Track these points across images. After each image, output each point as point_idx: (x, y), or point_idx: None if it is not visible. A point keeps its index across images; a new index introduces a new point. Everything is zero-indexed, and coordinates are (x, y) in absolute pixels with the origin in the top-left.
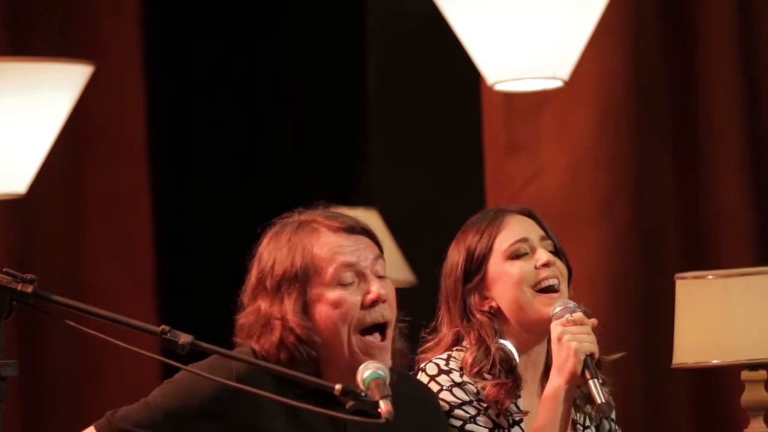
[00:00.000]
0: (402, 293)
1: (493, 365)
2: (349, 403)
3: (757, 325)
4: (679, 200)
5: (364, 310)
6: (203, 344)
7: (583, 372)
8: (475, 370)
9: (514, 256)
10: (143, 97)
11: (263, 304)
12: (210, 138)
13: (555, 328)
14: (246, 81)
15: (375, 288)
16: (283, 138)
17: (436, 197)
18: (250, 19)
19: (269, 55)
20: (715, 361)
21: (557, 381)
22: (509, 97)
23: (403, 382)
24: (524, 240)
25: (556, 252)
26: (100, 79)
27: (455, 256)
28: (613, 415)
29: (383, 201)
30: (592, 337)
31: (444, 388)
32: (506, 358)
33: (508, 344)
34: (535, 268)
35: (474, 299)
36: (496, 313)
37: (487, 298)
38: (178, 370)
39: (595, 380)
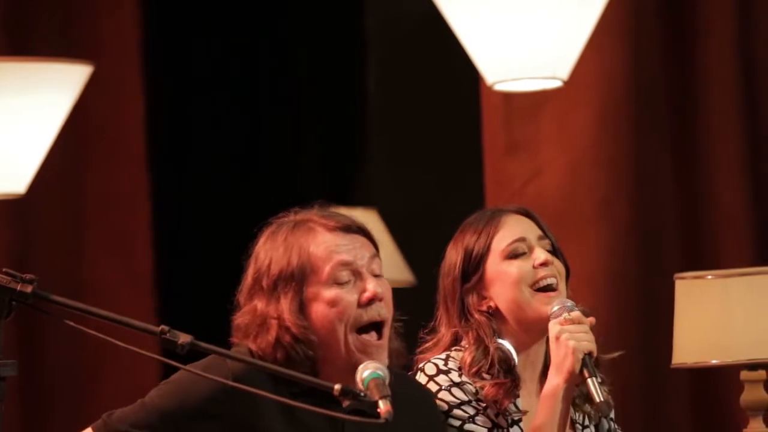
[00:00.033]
0: (401, 293)
1: (491, 365)
2: (346, 403)
3: (757, 325)
4: (679, 200)
5: (360, 308)
6: (203, 344)
7: (581, 371)
8: (474, 369)
9: (512, 255)
10: (142, 97)
11: (259, 304)
12: (209, 138)
13: (553, 327)
14: (245, 81)
15: (371, 286)
16: (283, 138)
17: (435, 197)
18: (250, 19)
19: (269, 55)
20: (714, 361)
21: (555, 380)
22: (509, 97)
23: (401, 381)
24: (522, 239)
25: (554, 251)
26: (99, 79)
27: (453, 257)
28: (612, 414)
29: (383, 201)
30: (590, 336)
31: (443, 388)
32: (505, 358)
33: (507, 344)
34: (533, 267)
35: (472, 299)
36: (495, 313)
37: (485, 297)
38: (177, 370)
39: (594, 379)
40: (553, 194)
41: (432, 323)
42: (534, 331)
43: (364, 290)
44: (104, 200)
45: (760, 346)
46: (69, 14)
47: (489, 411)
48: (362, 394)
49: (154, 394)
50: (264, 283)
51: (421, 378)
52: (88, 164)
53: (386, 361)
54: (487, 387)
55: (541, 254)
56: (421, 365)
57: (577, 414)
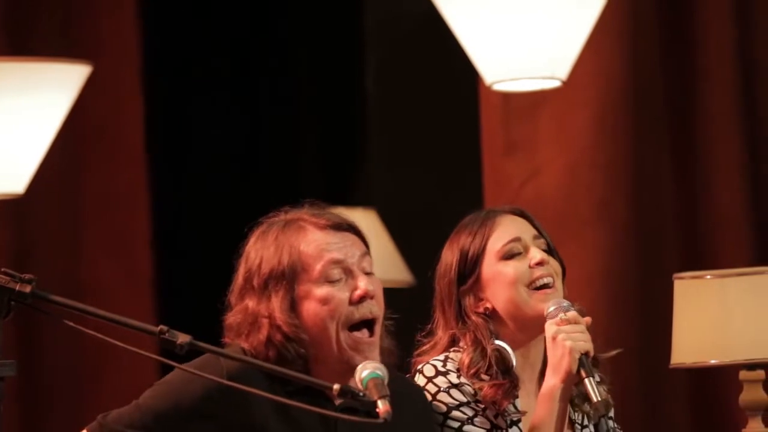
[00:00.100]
0: (401, 293)
1: (489, 366)
2: (339, 401)
3: (755, 325)
4: (677, 201)
5: (352, 306)
6: (201, 344)
7: (578, 371)
8: (472, 371)
9: (508, 256)
10: (142, 97)
11: (250, 303)
12: (209, 138)
13: (549, 328)
14: (245, 81)
15: (362, 284)
16: (283, 138)
17: (435, 197)
18: (250, 19)
19: (269, 55)
20: (713, 361)
21: (553, 380)
22: (507, 97)
23: (394, 380)
24: (517, 239)
25: (550, 250)
26: (98, 79)
27: (449, 259)
28: (612, 414)
29: (382, 201)
30: (587, 336)
31: (441, 389)
32: (503, 359)
33: (505, 345)
34: (529, 267)
35: (469, 301)
36: (492, 314)
37: (482, 299)
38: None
39: (591, 379)
40: (551, 195)
41: (429, 326)
42: (532, 330)
43: (355, 288)
44: (103, 200)
45: (758, 346)
46: (69, 14)
47: (488, 412)
48: (361, 393)
49: (148, 395)
50: (255, 282)
51: (419, 379)
52: (87, 164)
53: (378, 358)
54: (486, 388)
55: (536, 254)
56: (419, 367)
57: (576, 414)
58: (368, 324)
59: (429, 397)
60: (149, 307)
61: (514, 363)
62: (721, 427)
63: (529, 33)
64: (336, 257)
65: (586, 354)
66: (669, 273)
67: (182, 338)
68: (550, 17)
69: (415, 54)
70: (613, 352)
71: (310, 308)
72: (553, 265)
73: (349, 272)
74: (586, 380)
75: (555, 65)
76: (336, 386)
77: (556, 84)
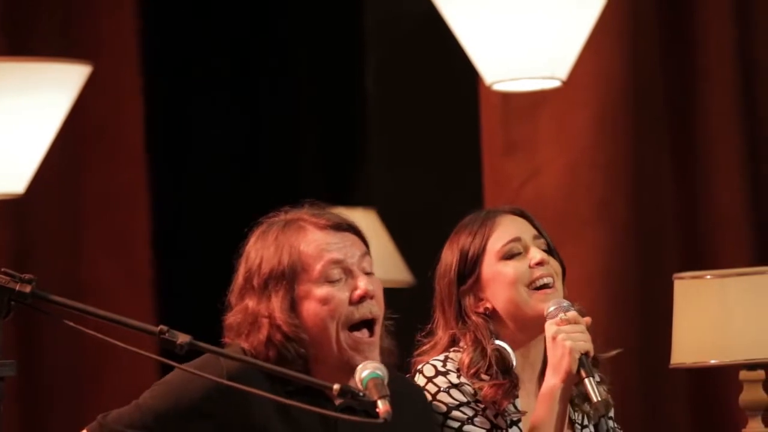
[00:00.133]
0: (401, 293)
1: (489, 366)
2: (339, 401)
3: (755, 325)
4: (677, 201)
5: (352, 306)
6: (201, 344)
7: (578, 371)
8: (472, 371)
9: (508, 256)
10: (142, 97)
11: (250, 303)
12: (208, 138)
13: (549, 328)
14: (245, 81)
15: (362, 284)
16: (283, 138)
17: (435, 197)
18: (250, 19)
19: (269, 55)
20: (713, 361)
21: (553, 380)
22: (507, 97)
23: (394, 380)
24: (517, 239)
25: (549, 250)
26: (98, 79)
27: (448, 259)
28: (612, 414)
29: (382, 201)
30: (587, 336)
31: (441, 389)
32: (503, 359)
33: (505, 345)
34: (529, 267)
35: (469, 301)
36: (492, 315)
37: (482, 299)
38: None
39: (591, 379)
40: (551, 195)
41: (429, 326)
42: (532, 330)
43: (355, 288)
44: (103, 200)
45: (758, 346)
46: (69, 14)
47: (488, 412)
48: (361, 393)
49: (148, 395)
50: (255, 282)
51: (419, 379)
52: (87, 164)
53: (378, 358)
54: (486, 388)
55: (536, 254)
56: (419, 367)
57: (576, 414)
58: (368, 324)
59: (429, 397)
60: (149, 307)
61: (514, 363)
62: (721, 427)
63: (529, 33)
64: (336, 257)
65: (586, 354)
66: (669, 273)
67: (182, 338)
68: (550, 17)
69: (415, 54)
70: (613, 352)
71: (310, 308)
72: (553, 265)
73: (349, 272)
74: (586, 380)
75: (555, 65)
76: (336, 386)
77: (556, 84)
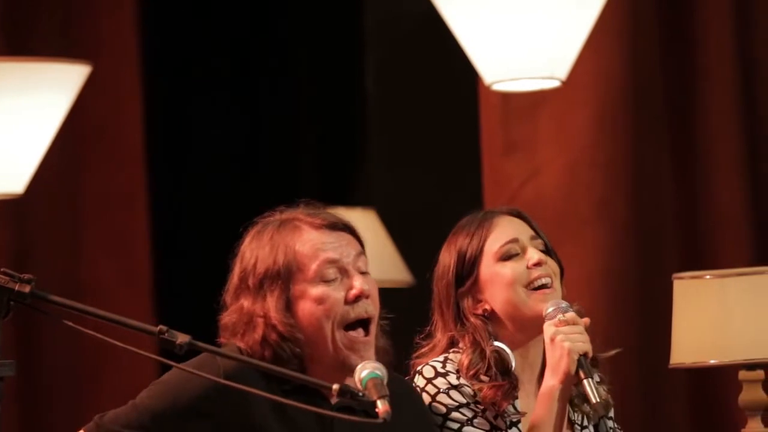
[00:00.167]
0: (400, 293)
1: (489, 367)
2: (335, 400)
3: (755, 325)
4: (677, 200)
5: (347, 305)
6: (201, 344)
7: (577, 372)
8: (472, 372)
9: (506, 257)
10: (141, 97)
11: (246, 303)
12: (209, 138)
13: (548, 329)
14: (245, 81)
15: (358, 283)
16: (283, 138)
17: (435, 197)
18: (250, 19)
19: (269, 55)
20: (712, 361)
21: (551, 381)
22: (507, 97)
23: (392, 381)
24: (514, 240)
25: (547, 251)
26: (98, 79)
27: (446, 260)
28: (612, 414)
29: (382, 201)
30: (585, 337)
31: (441, 390)
32: (502, 360)
33: (504, 346)
34: (527, 267)
35: (467, 303)
36: (490, 316)
37: (480, 301)
38: None
39: (590, 380)
40: (551, 194)
41: (428, 328)
42: (531, 330)
43: (350, 287)
44: (103, 200)
45: (758, 346)
46: (68, 14)
47: (487, 413)
48: (360, 393)
49: (145, 395)
50: (250, 282)
51: (419, 381)
52: (86, 164)
53: (373, 357)
54: (485, 389)
55: (534, 254)
56: (419, 368)
57: (575, 414)
58: (364, 323)
59: (428, 399)
60: (148, 307)
61: (513, 364)
62: (720, 427)
63: (528, 33)
64: (331, 257)
65: (585, 355)
66: (669, 272)
67: (181, 338)
68: (550, 17)
69: (414, 54)
70: (613, 352)
71: (305, 308)
72: (551, 265)
73: (344, 272)
74: (585, 381)
75: (554, 65)
76: (335, 386)
77: (556, 84)
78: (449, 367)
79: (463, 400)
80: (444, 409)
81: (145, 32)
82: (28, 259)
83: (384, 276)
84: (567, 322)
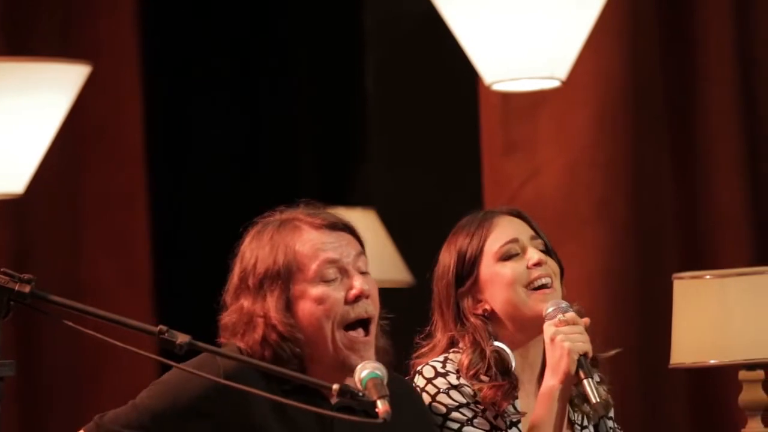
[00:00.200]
0: (400, 293)
1: (489, 367)
2: (335, 400)
3: (755, 325)
4: (677, 200)
5: (347, 305)
6: (201, 344)
7: (577, 372)
8: (471, 372)
9: (506, 257)
10: (141, 97)
11: (246, 303)
12: (208, 138)
13: (548, 329)
14: (245, 81)
15: (358, 283)
16: (283, 138)
17: (435, 197)
18: (250, 19)
19: (269, 55)
20: (712, 361)
21: (551, 381)
22: (507, 97)
23: (392, 381)
24: (514, 240)
25: (547, 250)
26: (98, 79)
27: (446, 261)
28: (612, 414)
29: (382, 201)
30: (585, 337)
31: (441, 390)
32: (502, 361)
33: (504, 346)
34: (527, 268)
35: (467, 303)
36: (490, 316)
37: (480, 301)
38: None
39: (590, 380)
40: (551, 194)
41: (427, 328)
42: (531, 330)
43: (350, 287)
44: (103, 200)
45: (758, 346)
46: (68, 15)
47: (487, 413)
48: (360, 393)
49: (145, 395)
50: (250, 282)
51: (419, 381)
52: (86, 164)
53: (373, 357)
54: (485, 389)
55: (534, 254)
56: (419, 368)
57: (575, 414)
58: (364, 323)
59: (428, 398)
60: (148, 307)
61: (513, 364)
62: (720, 427)
63: (528, 33)
64: (331, 257)
65: (585, 355)
66: (669, 272)
67: (182, 338)
68: (550, 17)
69: (414, 54)
70: (613, 352)
71: (305, 308)
72: (551, 265)
73: (344, 272)
74: (585, 381)
75: (554, 65)
76: (335, 386)
77: (556, 84)
78: (449, 367)
79: (463, 400)
80: (444, 409)
81: (145, 32)
82: (28, 259)
83: (384, 276)
84: (567, 322)
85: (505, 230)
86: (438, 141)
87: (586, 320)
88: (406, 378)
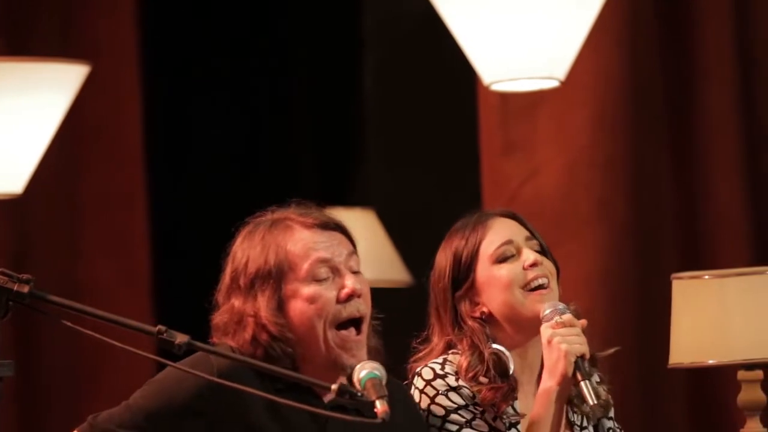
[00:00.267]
0: (399, 293)
1: (487, 370)
2: (328, 397)
3: (754, 325)
4: (676, 200)
5: (339, 304)
6: (199, 344)
7: (574, 374)
8: (470, 374)
9: (501, 259)
10: (140, 97)
11: (236, 302)
12: (208, 138)
13: (545, 331)
14: (245, 81)
15: (350, 283)
16: (282, 138)
17: (433, 197)
18: (250, 19)
19: (269, 55)
20: (711, 361)
21: (549, 383)
22: (506, 97)
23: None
24: (509, 242)
25: (543, 251)
26: (97, 79)
27: (442, 264)
28: (612, 413)
29: (381, 201)
30: (582, 339)
31: (440, 392)
32: (500, 363)
33: (503, 348)
34: (523, 269)
35: (465, 306)
36: (488, 319)
37: (477, 304)
38: None
39: (587, 382)
40: (550, 195)
41: (424, 332)
42: (529, 331)
43: (342, 287)
44: (102, 200)
45: (757, 346)
46: (68, 15)
47: (486, 415)
48: (359, 393)
49: (138, 395)
50: (241, 281)
51: (418, 382)
52: (85, 164)
53: (365, 357)
54: (484, 391)
55: (530, 255)
56: (418, 370)
57: (575, 415)
58: (355, 322)
59: (427, 400)
60: (148, 307)
61: (512, 367)
62: (719, 427)
63: (527, 33)
64: (323, 256)
65: (582, 357)
66: (667, 272)
67: (180, 338)
68: (549, 17)
69: (414, 54)
70: (612, 350)
71: (297, 307)
72: (547, 265)
73: (336, 271)
74: (582, 383)
75: (553, 65)
76: (334, 386)
77: (555, 84)
78: (448, 368)
79: (462, 402)
80: (443, 411)
81: (145, 32)
82: (26, 259)
83: (383, 276)
84: (564, 324)
85: (499, 232)
86: (437, 141)
87: (583, 322)
88: (405, 383)
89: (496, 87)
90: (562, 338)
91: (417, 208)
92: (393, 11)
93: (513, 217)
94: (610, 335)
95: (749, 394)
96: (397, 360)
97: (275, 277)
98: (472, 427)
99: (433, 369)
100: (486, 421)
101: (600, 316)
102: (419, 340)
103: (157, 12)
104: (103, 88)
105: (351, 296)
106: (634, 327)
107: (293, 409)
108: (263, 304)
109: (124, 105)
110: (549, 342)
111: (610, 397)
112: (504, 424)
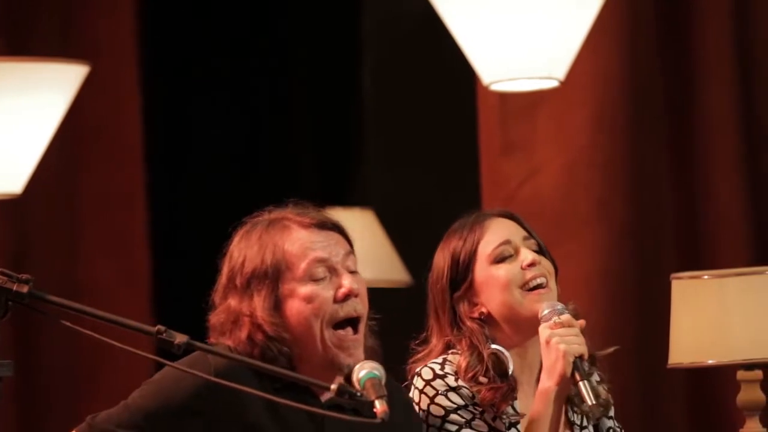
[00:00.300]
0: (398, 293)
1: (487, 370)
2: (326, 396)
3: (753, 325)
4: (676, 200)
5: (336, 304)
6: (199, 344)
7: (572, 374)
8: (470, 375)
9: (499, 259)
10: (139, 97)
11: (233, 302)
12: (208, 138)
13: (543, 331)
14: (245, 81)
15: (347, 282)
16: (282, 138)
17: (433, 197)
18: (250, 19)
19: (268, 55)
20: (710, 361)
21: (547, 383)
22: (505, 97)
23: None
24: (507, 242)
25: (540, 251)
26: (97, 79)
27: (440, 265)
28: (612, 413)
29: (380, 201)
30: (581, 339)
31: (439, 392)
32: (499, 363)
33: (502, 348)
34: (522, 269)
35: (463, 307)
36: (487, 319)
37: (476, 304)
38: None
39: (585, 382)
40: (549, 195)
41: (423, 333)
42: (528, 331)
43: (339, 286)
44: (101, 200)
45: (756, 346)
46: (68, 15)
47: (486, 415)
48: (359, 393)
49: (137, 395)
50: (238, 281)
51: (417, 382)
52: (85, 164)
53: (362, 356)
54: (484, 391)
55: (528, 255)
56: (417, 370)
57: (575, 415)
58: (352, 322)
59: (427, 400)
60: (147, 308)
61: (511, 367)
62: (718, 427)
63: (527, 33)
64: (320, 256)
65: (581, 357)
66: (667, 272)
67: (180, 338)
68: (549, 17)
69: (413, 54)
70: (611, 349)
71: (294, 307)
72: (546, 265)
73: (333, 270)
74: (580, 384)
75: (553, 65)
76: (334, 386)
77: (554, 84)
78: (448, 368)
79: (462, 402)
80: (442, 411)
81: (145, 32)
82: (26, 259)
83: (382, 276)
84: (562, 325)
85: (497, 232)
86: (436, 141)
87: (582, 322)
88: (404, 384)
89: (496, 87)
90: (560, 338)
91: (416, 208)
92: (393, 11)
93: (510, 217)
94: (609, 335)
95: (749, 394)
96: (396, 360)
97: (272, 277)
98: (471, 427)
99: (432, 369)
100: (485, 421)
101: (600, 316)
102: (418, 341)
103: (156, 12)
104: (102, 88)
105: (348, 296)
106: (633, 327)
107: (291, 408)
108: (259, 304)
109: (124, 105)
110: (547, 342)
111: (609, 396)
112: (504, 424)
